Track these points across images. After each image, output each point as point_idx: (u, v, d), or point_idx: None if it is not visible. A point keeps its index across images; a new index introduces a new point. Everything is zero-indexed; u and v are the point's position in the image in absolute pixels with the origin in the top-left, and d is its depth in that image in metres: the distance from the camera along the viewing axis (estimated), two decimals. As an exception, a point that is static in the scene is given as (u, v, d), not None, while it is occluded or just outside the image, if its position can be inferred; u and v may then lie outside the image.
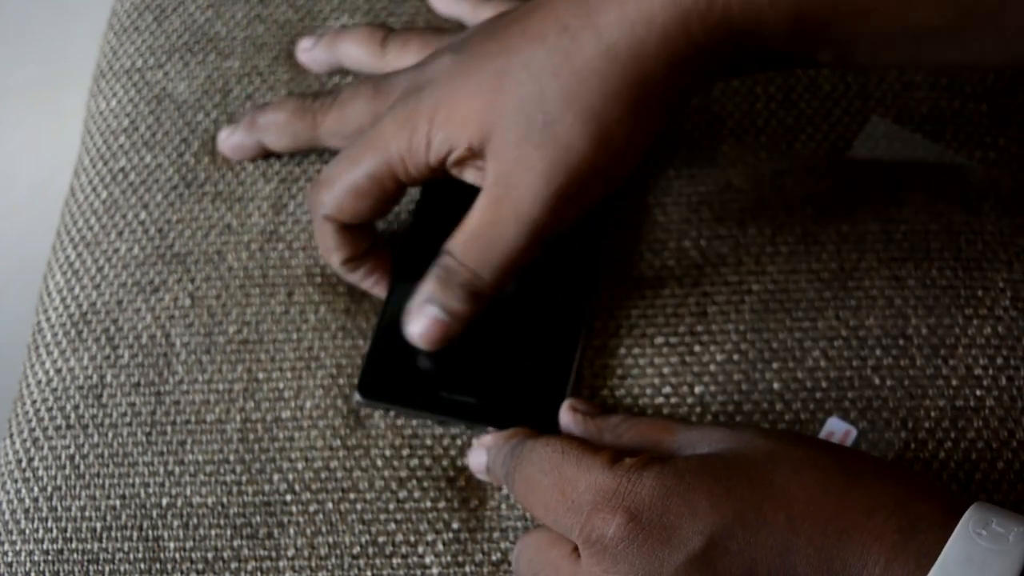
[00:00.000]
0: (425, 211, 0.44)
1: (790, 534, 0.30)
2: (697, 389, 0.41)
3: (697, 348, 0.42)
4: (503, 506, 0.40)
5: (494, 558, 0.39)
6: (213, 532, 0.40)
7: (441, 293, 0.39)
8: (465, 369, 0.41)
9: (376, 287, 0.42)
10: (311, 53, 0.47)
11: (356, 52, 0.45)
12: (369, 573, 0.39)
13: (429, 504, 0.40)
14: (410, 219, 0.44)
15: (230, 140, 0.46)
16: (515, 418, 0.39)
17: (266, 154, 0.45)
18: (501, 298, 0.40)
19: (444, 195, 0.43)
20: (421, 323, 0.39)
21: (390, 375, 0.41)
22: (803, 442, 0.34)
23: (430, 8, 0.49)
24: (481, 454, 0.39)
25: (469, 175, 0.39)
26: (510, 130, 0.37)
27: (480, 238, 0.38)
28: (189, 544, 0.40)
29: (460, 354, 0.41)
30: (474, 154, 0.38)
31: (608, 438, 0.38)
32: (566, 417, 0.40)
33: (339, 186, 0.39)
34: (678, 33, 0.35)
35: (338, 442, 0.41)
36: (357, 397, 0.41)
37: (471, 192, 0.39)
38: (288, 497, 0.40)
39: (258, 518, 0.40)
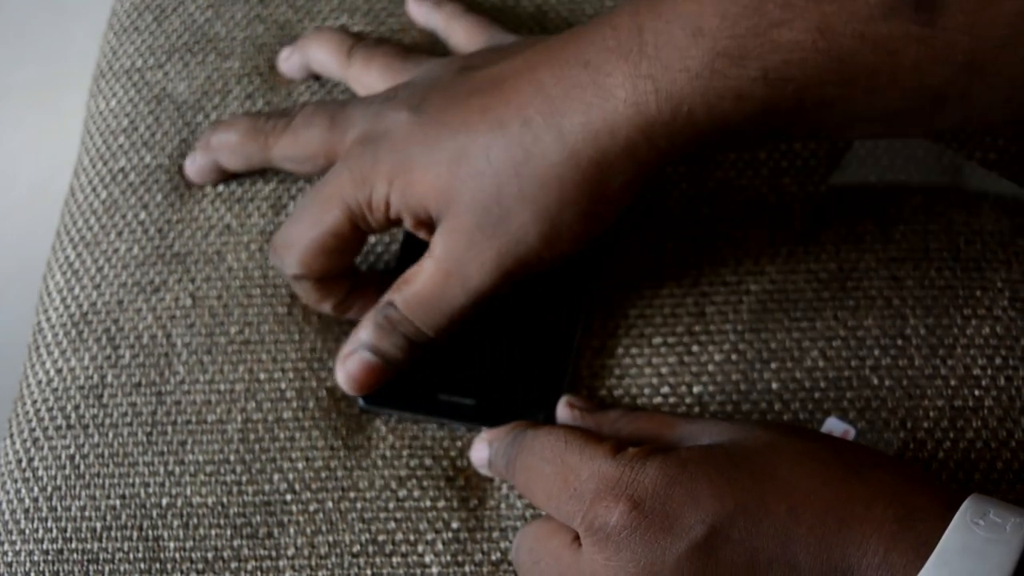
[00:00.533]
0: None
1: (791, 524, 0.30)
2: (695, 389, 0.41)
3: (695, 348, 0.42)
4: (503, 505, 0.40)
5: (494, 558, 0.39)
6: (213, 532, 0.40)
7: (379, 340, 0.40)
8: (463, 371, 0.41)
9: None
10: (290, 62, 0.47)
11: (323, 58, 0.46)
12: (369, 572, 0.39)
13: (429, 504, 0.40)
14: (405, 233, 0.44)
15: (193, 166, 0.45)
16: (514, 418, 0.39)
17: (225, 176, 0.45)
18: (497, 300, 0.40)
19: None
20: (353, 366, 0.40)
21: (391, 380, 0.41)
22: (803, 435, 0.34)
23: (430, 8, 0.49)
24: (483, 448, 0.39)
25: (422, 234, 0.39)
26: (465, 215, 0.37)
27: (426, 302, 0.39)
28: (189, 544, 0.40)
29: (458, 357, 0.41)
30: (429, 224, 0.39)
31: (607, 433, 0.38)
32: (564, 413, 0.40)
33: (302, 248, 0.40)
34: (641, 143, 0.35)
35: (339, 442, 0.41)
36: (360, 403, 0.41)
37: None
38: (288, 497, 0.40)
39: (258, 518, 0.40)
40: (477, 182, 0.37)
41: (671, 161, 0.36)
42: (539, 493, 0.34)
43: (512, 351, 0.42)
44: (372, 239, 0.44)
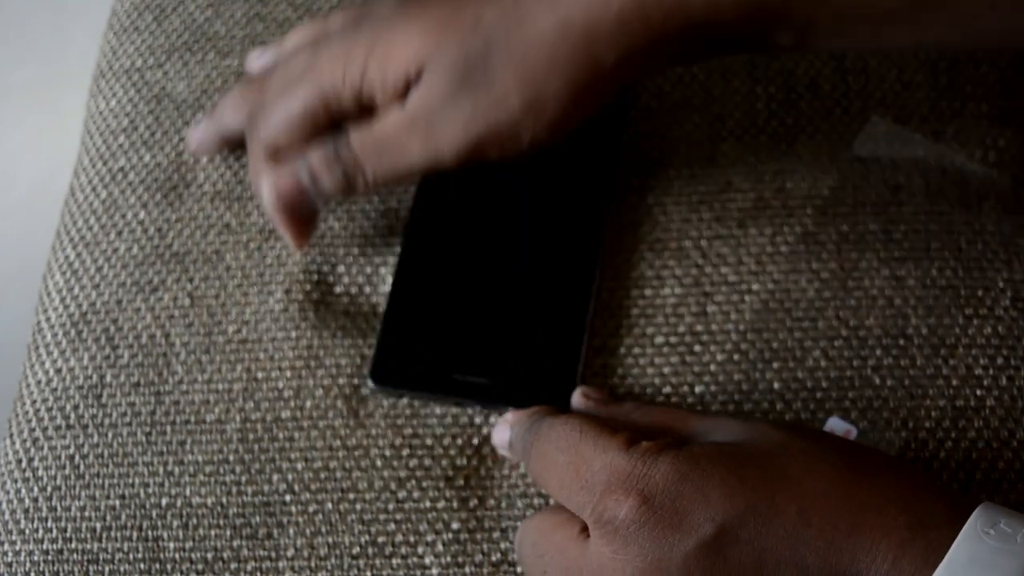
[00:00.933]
0: (426, 199, 0.44)
1: (801, 526, 0.30)
2: (697, 389, 0.41)
3: (697, 348, 0.42)
4: (503, 505, 0.40)
5: (494, 558, 0.39)
6: (213, 532, 0.40)
7: (320, 167, 0.39)
8: (476, 350, 0.41)
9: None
10: (261, 60, 0.46)
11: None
12: (369, 573, 0.39)
13: (429, 504, 0.40)
14: (412, 206, 0.44)
15: (196, 134, 0.45)
16: (528, 396, 0.39)
17: (228, 142, 0.45)
18: (509, 277, 0.40)
19: (444, 183, 0.44)
20: (284, 179, 0.40)
21: (401, 360, 0.41)
22: (813, 436, 0.34)
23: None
24: (505, 430, 0.39)
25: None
26: (448, 70, 0.37)
27: (382, 147, 0.38)
28: (189, 544, 0.40)
29: (472, 336, 0.41)
30: (406, 87, 0.38)
31: (621, 425, 0.38)
32: (579, 402, 0.40)
33: (274, 116, 0.39)
34: (634, 19, 0.35)
35: (338, 442, 0.41)
36: (369, 384, 0.41)
37: (471, 180, 0.40)
38: (288, 497, 0.40)
39: (258, 518, 0.40)
40: (462, 41, 0.36)
41: (661, 56, 0.36)
42: (552, 482, 0.34)
43: (526, 329, 0.42)
44: (372, 236, 0.44)
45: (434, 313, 0.42)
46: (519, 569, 0.39)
